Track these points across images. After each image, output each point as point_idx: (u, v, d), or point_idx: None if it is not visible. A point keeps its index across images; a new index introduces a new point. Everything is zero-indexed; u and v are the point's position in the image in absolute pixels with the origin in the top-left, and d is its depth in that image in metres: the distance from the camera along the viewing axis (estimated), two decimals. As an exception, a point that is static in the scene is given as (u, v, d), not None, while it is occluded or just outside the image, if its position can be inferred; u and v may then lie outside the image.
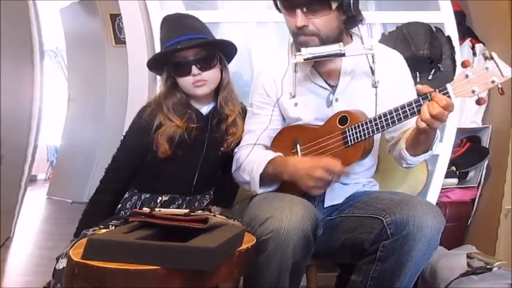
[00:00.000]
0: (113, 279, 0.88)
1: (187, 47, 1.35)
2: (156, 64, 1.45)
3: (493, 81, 1.05)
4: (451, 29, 2.05)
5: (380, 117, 1.19)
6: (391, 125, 1.18)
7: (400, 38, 1.98)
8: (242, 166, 1.38)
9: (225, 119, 1.46)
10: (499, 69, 1.04)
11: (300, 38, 1.27)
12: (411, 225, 1.08)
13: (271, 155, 1.34)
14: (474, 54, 2.32)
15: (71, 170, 4.39)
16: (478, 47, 2.33)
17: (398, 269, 1.09)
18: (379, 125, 1.19)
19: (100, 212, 1.43)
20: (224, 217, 1.10)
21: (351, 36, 1.38)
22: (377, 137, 1.33)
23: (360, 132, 1.22)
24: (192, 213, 1.04)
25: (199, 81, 1.38)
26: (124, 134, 1.50)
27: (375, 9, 2.17)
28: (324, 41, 1.26)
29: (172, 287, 0.89)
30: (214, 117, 1.46)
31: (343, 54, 1.24)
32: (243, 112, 1.52)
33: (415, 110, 1.14)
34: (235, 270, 0.99)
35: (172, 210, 1.21)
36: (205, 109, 1.47)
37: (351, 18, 1.29)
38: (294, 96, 1.36)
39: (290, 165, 1.27)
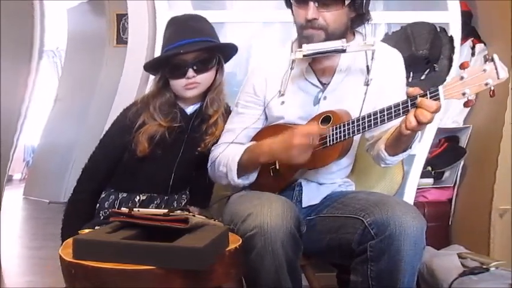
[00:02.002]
0: (114, 279, 0.90)
1: (188, 52, 1.35)
2: (153, 65, 1.45)
3: (486, 84, 1.02)
4: (455, 29, 2.04)
5: (363, 118, 1.17)
6: (373, 127, 1.16)
7: (403, 38, 1.98)
8: (218, 160, 1.37)
9: (207, 119, 1.46)
10: (496, 71, 1.01)
11: (306, 31, 1.26)
12: (392, 225, 1.07)
13: (247, 144, 1.35)
14: (473, 54, 2.31)
15: (47, 170, 4.40)
16: (478, 47, 2.31)
17: (394, 269, 1.07)
18: (361, 127, 1.17)
19: (80, 212, 1.44)
20: (204, 217, 1.09)
21: (354, 34, 1.37)
22: (356, 137, 1.31)
23: (340, 133, 1.20)
24: (171, 213, 1.04)
25: (192, 84, 1.38)
26: (104, 133, 1.49)
27: (383, 9, 2.17)
28: (329, 37, 1.25)
29: (172, 287, 0.90)
30: (197, 118, 1.45)
31: (343, 50, 1.22)
32: (227, 112, 1.51)
33: (400, 112, 1.11)
34: (231, 270, 1.00)
35: (151, 210, 1.20)
36: (190, 109, 1.47)
37: (359, 16, 1.29)
38: (283, 94, 1.35)
39: (265, 145, 1.26)
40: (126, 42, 2.19)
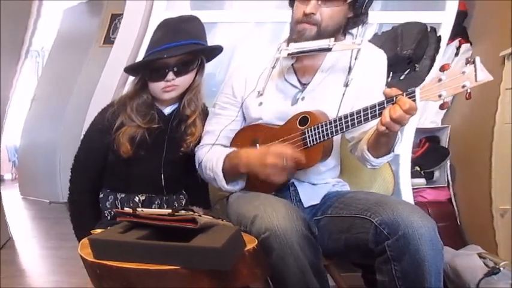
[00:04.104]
0: (140, 279, 0.91)
1: (171, 56, 1.34)
2: (134, 68, 1.45)
3: (463, 86, 1.02)
4: (446, 29, 2.04)
5: (340, 119, 1.17)
6: (350, 128, 1.17)
7: (391, 38, 1.97)
8: (202, 164, 1.38)
9: (185, 120, 1.46)
10: (475, 74, 1.00)
11: (300, 25, 1.26)
12: (403, 225, 1.05)
13: (227, 150, 1.35)
14: (456, 54, 2.33)
15: (36, 170, 4.38)
16: (464, 47, 2.35)
17: (418, 269, 1.04)
18: (339, 127, 1.17)
19: (85, 212, 1.46)
20: (210, 217, 1.09)
21: (345, 35, 1.36)
22: (337, 137, 1.31)
23: (319, 133, 1.21)
24: (175, 213, 1.04)
25: (170, 87, 1.38)
26: (84, 133, 1.50)
27: (380, 8, 2.14)
28: (320, 33, 1.25)
29: (199, 287, 0.92)
30: (175, 118, 1.46)
31: (329, 49, 1.21)
32: (204, 113, 1.52)
33: (377, 113, 1.11)
34: (255, 270, 1.00)
35: (155, 210, 1.21)
36: (168, 109, 1.47)
37: (356, 17, 1.29)
38: (261, 95, 1.35)
39: (243, 157, 1.27)
40: (113, 42, 2.15)
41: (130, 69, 1.46)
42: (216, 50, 1.46)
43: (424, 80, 1.97)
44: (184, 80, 1.40)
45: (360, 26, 1.33)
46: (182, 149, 1.46)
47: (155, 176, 1.45)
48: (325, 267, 1.27)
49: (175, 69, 1.36)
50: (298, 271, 1.05)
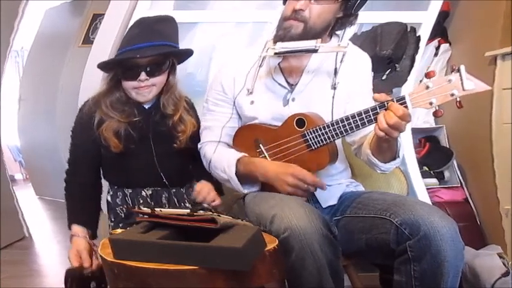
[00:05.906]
0: (158, 279, 0.91)
1: (144, 57, 1.34)
2: (107, 65, 1.43)
3: (452, 94, 1.03)
4: (425, 30, 2.05)
5: (337, 123, 1.19)
6: (349, 131, 1.18)
7: (370, 38, 1.97)
8: (212, 164, 1.39)
9: (170, 116, 1.46)
10: (462, 83, 1.02)
11: (287, 22, 1.26)
12: (423, 225, 1.05)
13: (236, 154, 1.35)
14: (436, 54, 2.36)
15: (45, 169, 4.36)
16: (443, 47, 2.37)
17: (438, 269, 1.04)
18: (338, 131, 1.19)
19: (78, 201, 1.44)
20: (230, 217, 1.08)
21: (331, 36, 1.36)
22: (338, 141, 1.32)
23: (320, 136, 1.22)
24: (195, 213, 1.05)
25: (144, 87, 1.38)
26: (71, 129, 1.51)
27: (363, 9, 2.15)
28: (307, 30, 1.25)
29: (216, 287, 0.92)
30: (156, 113, 1.46)
31: (315, 50, 1.22)
32: (189, 105, 1.53)
33: (372, 117, 1.13)
34: (274, 270, 1.00)
35: (174, 210, 1.19)
36: (147, 104, 1.47)
37: (345, 17, 1.30)
38: (251, 93, 1.36)
39: (259, 167, 1.28)
40: (92, 42, 2.13)
41: (103, 67, 1.44)
42: (187, 54, 1.47)
43: (406, 80, 2.02)
44: (158, 82, 1.41)
45: (348, 28, 1.34)
46: (175, 145, 1.46)
47: (152, 170, 1.45)
48: (344, 267, 1.27)
49: (148, 69, 1.36)
50: (315, 271, 1.05)
